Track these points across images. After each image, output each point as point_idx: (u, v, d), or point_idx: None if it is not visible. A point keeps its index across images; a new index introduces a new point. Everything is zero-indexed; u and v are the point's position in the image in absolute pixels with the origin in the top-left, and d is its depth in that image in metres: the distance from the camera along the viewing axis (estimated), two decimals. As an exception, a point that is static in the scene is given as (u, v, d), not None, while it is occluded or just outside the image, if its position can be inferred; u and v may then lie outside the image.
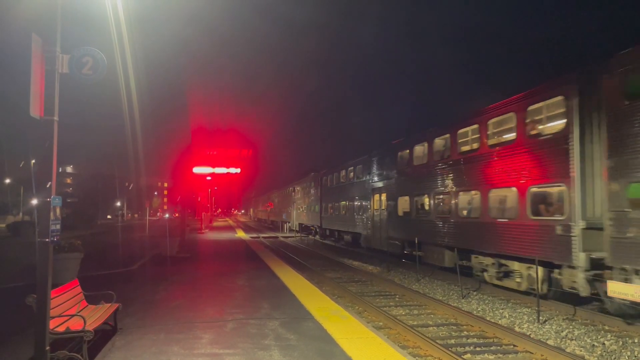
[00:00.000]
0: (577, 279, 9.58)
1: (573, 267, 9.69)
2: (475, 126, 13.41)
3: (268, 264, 15.97)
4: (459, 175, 14.24)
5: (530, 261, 10.86)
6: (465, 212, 13.99)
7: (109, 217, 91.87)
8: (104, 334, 6.71)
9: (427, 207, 16.43)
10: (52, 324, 5.37)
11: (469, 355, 7.53)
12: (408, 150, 17.98)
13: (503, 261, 12.23)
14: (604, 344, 8.11)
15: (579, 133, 9.78)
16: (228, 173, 30.66)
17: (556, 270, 10.43)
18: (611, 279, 8.79)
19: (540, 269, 10.42)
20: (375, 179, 21.46)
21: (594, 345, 8.06)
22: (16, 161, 60.47)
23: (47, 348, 5.04)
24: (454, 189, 14.43)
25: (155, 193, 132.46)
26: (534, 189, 10.99)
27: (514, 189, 11.54)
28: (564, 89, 10.24)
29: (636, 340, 8.26)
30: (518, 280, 11.67)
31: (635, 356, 7.56)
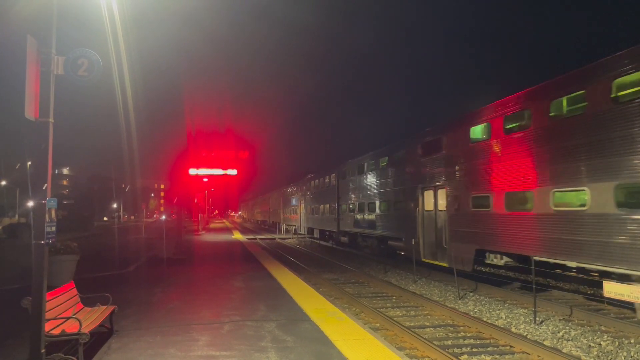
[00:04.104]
0: (340, 236, 27.61)
1: (337, 232, 28.24)
2: (328, 177, 30.70)
3: (265, 265, 15.95)
4: (319, 197, 33.06)
5: (329, 231, 31.02)
6: (321, 214, 32.09)
7: (105, 219, 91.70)
8: (100, 337, 6.69)
9: (314, 210, 34.47)
10: (47, 327, 5.34)
11: (465, 356, 7.54)
12: (311, 182, 36.20)
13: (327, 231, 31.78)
14: (600, 344, 8.14)
15: (337, 187, 27.68)
16: (225, 175, 30.53)
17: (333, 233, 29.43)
18: (342, 236, 27.96)
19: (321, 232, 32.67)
20: (301, 194, 39.57)
21: (590, 345, 8.09)
22: (12, 163, 60.22)
23: (43, 351, 5.01)
24: (318, 202, 33.10)
25: (152, 195, 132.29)
26: (330, 205, 29.27)
27: (328, 205, 30.09)
28: (335, 172, 28.35)
29: (632, 341, 8.29)
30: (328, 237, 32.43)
31: (631, 356, 7.59)
